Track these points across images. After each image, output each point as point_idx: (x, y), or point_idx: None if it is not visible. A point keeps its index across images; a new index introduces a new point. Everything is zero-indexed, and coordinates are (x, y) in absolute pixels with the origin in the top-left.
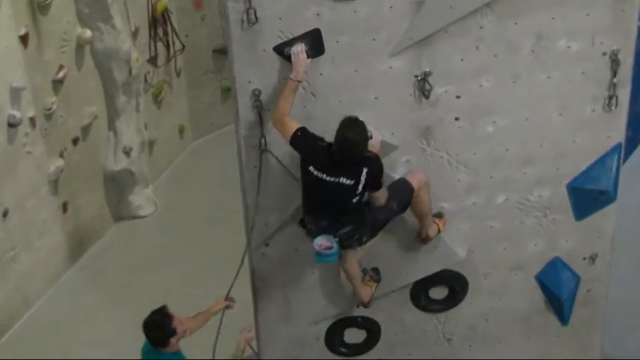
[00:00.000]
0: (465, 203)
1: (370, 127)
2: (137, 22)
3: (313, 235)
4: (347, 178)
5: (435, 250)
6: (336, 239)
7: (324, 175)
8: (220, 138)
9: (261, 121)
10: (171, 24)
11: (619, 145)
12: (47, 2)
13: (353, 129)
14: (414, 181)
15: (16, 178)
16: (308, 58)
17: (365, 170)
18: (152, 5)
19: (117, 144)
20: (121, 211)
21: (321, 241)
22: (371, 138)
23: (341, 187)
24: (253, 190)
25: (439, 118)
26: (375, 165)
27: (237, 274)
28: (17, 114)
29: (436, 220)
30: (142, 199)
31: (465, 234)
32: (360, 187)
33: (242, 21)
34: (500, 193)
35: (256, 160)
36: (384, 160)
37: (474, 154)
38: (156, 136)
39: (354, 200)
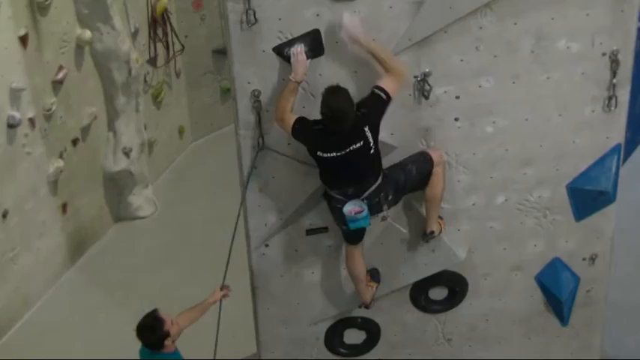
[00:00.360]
0: (465, 204)
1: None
2: (137, 22)
3: (342, 203)
4: (355, 143)
5: (435, 250)
6: (364, 201)
7: (334, 153)
8: (220, 138)
9: (260, 121)
10: (170, 25)
11: (618, 146)
12: (47, 3)
13: (337, 99)
14: (434, 155)
15: (16, 179)
16: (308, 58)
17: (366, 127)
18: (152, 6)
19: (116, 144)
20: (120, 212)
21: (351, 207)
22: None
23: (355, 153)
24: (251, 190)
25: (439, 119)
26: (370, 115)
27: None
28: (17, 115)
29: (439, 220)
30: (141, 199)
31: (465, 235)
32: (371, 140)
33: (241, 22)
34: (500, 194)
35: (255, 160)
36: (383, 162)
37: (474, 154)
38: (155, 136)
39: (372, 151)
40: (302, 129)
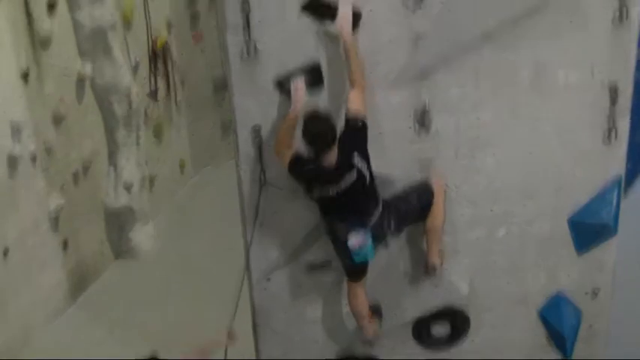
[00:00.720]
0: (467, 237)
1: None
2: (137, 56)
3: (345, 237)
4: (349, 178)
5: (437, 285)
6: (368, 233)
7: (329, 191)
8: (221, 173)
9: (261, 155)
10: (171, 58)
11: (619, 178)
12: (48, 37)
13: (315, 123)
14: (435, 185)
15: (17, 214)
16: (308, 91)
17: (355, 155)
18: (152, 39)
19: (117, 179)
20: (121, 248)
21: (354, 240)
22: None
23: (351, 186)
24: (253, 224)
25: (439, 151)
26: (352, 144)
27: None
28: (17, 149)
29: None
30: (142, 235)
31: (467, 268)
32: (364, 168)
33: (242, 53)
34: (501, 227)
35: (257, 195)
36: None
37: (474, 187)
38: (156, 171)
39: (367, 181)
40: (296, 167)
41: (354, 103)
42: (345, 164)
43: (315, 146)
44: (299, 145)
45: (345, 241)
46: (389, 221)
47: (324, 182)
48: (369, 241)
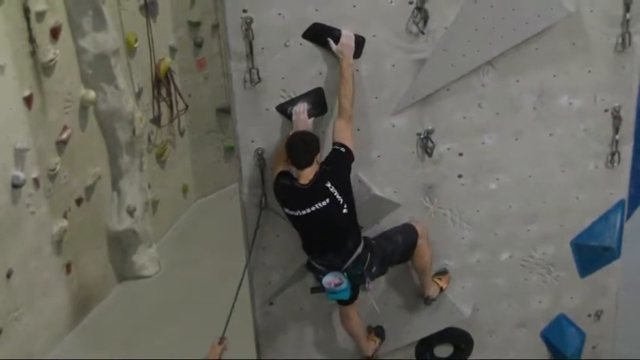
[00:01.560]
0: (469, 260)
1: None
2: (140, 82)
3: (322, 273)
4: (320, 202)
5: (439, 307)
6: (345, 274)
7: (299, 212)
8: (224, 197)
9: (263, 179)
10: (174, 84)
11: (622, 202)
12: (51, 63)
13: (295, 141)
14: (417, 227)
15: (20, 239)
16: (310, 117)
17: (329, 183)
18: (155, 66)
19: (120, 204)
20: (124, 271)
21: (330, 279)
22: (338, 39)
23: (323, 212)
24: (255, 248)
25: (442, 176)
26: (330, 172)
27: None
28: (21, 175)
29: (436, 280)
30: (145, 258)
31: (470, 291)
32: (339, 197)
33: (245, 80)
34: (504, 250)
35: (258, 219)
36: (387, 219)
37: (478, 211)
38: (159, 195)
39: (345, 211)
40: (277, 185)
41: (341, 133)
42: (317, 187)
43: (292, 163)
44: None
45: (321, 274)
46: (370, 264)
47: (295, 200)
48: (345, 282)
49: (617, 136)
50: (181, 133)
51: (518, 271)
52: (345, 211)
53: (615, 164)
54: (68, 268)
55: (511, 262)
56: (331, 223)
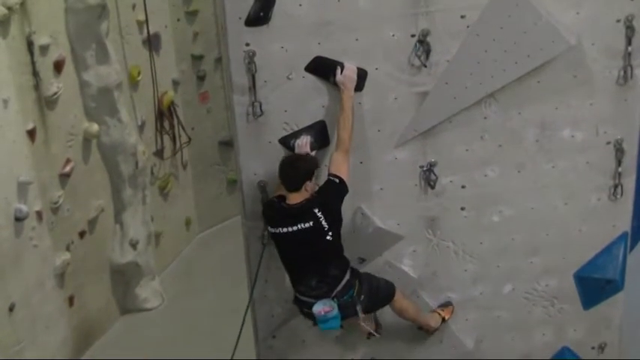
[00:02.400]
0: (472, 293)
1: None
2: (143, 115)
3: (311, 304)
4: (304, 222)
5: (442, 341)
6: (335, 300)
7: (281, 229)
8: (226, 230)
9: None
10: (177, 117)
11: (625, 234)
12: (54, 97)
13: (286, 164)
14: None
15: (23, 272)
16: (313, 150)
17: (316, 210)
18: (158, 99)
19: (123, 237)
20: (127, 304)
21: (320, 307)
22: (341, 72)
23: (305, 232)
24: (258, 281)
25: (445, 208)
26: (320, 199)
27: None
28: (24, 208)
29: (438, 311)
30: (148, 291)
31: (473, 324)
32: (325, 223)
33: (247, 114)
34: (507, 283)
35: (260, 252)
36: (390, 251)
37: (481, 243)
38: (162, 228)
39: (329, 238)
40: (263, 207)
41: (337, 164)
42: (304, 209)
43: (282, 183)
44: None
45: (309, 311)
46: (360, 292)
47: (278, 217)
48: (335, 309)
49: (619, 169)
50: (184, 166)
51: (521, 303)
52: (329, 237)
53: (618, 197)
54: (71, 301)
55: (514, 295)
56: (313, 246)
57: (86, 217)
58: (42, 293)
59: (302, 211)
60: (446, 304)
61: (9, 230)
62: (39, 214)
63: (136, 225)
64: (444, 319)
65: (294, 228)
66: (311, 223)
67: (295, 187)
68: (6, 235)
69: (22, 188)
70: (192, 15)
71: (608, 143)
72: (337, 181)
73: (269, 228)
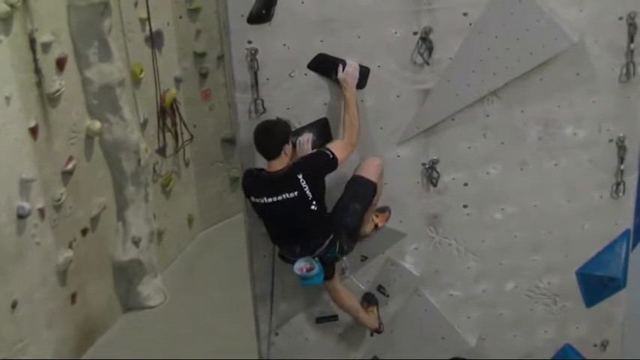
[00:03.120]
0: (475, 291)
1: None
2: (146, 113)
3: (293, 262)
4: (288, 192)
5: (445, 338)
6: (316, 259)
7: (265, 199)
8: (229, 227)
9: None
10: (179, 114)
11: (627, 232)
12: (57, 94)
13: (260, 132)
14: (371, 173)
15: (25, 269)
16: (314, 147)
17: (300, 176)
18: (161, 96)
19: (126, 234)
20: (129, 302)
21: (301, 265)
22: (344, 69)
23: (290, 202)
24: (259, 278)
25: (447, 206)
26: (306, 164)
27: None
28: (26, 205)
29: (373, 216)
30: (150, 289)
31: (475, 321)
32: (309, 192)
33: (250, 111)
34: (510, 281)
35: (265, 249)
36: (392, 249)
37: (483, 241)
38: (164, 226)
39: (314, 208)
40: (243, 179)
41: (336, 147)
42: (287, 176)
43: (260, 150)
44: None
45: (292, 263)
46: (341, 245)
47: (260, 187)
48: (317, 267)
49: (622, 166)
50: (186, 164)
51: (523, 301)
52: (313, 207)
53: (620, 194)
54: (73, 298)
55: (516, 292)
56: (297, 216)
57: (88, 215)
58: (44, 291)
59: (285, 178)
60: (382, 210)
61: (11, 228)
62: (41, 212)
63: (138, 222)
64: (376, 226)
65: (279, 198)
66: (295, 193)
67: (275, 154)
68: (8, 232)
69: (25, 186)
70: (194, 12)
71: (611, 141)
72: (330, 156)
73: (252, 198)
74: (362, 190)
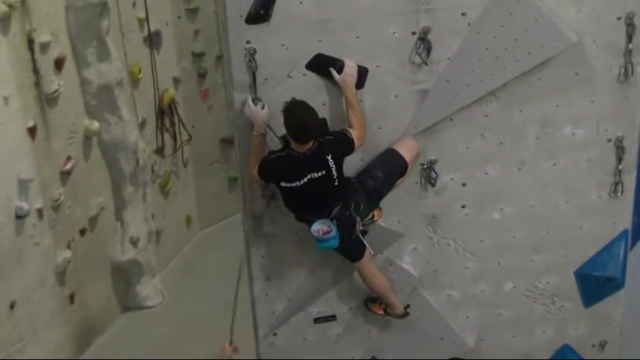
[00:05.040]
0: (473, 291)
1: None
2: (144, 113)
3: (311, 222)
4: (317, 172)
5: (443, 338)
6: (333, 221)
7: (296, 183)
8: (227, 228)
9: (267, 210)
10: (178, 115)
11: (626, 232)
12: (55, 94)
13: (302, 109)
14: (407, 151)
15: (24, 270)
16: (263, 109)
17: (329, 157)
18: (159, 96)
19: (124, 234)
20: (128, 302)
21: (319, 227)
22: (342, 69)
23: (316, 182)
24: (258, 278)
25: (446, 206)
26: (334, 145)
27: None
28: (25, 205)
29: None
30: (149, 289)
31: (474, 321)
32: (334, 171)
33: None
34: (508, 281)
35: (263, 249)
36: (391, 249)
37: (481, 241)
38: (163, 226)
39: (336, 183)
40: (265, 167)
41: (355, 133)
42: (317, 156)
43: (299, 138)
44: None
45: (309, 225)
46: (357, 204)
47: (291, 171)
48: (334, 230)
49: (620, 166)
50: (185, 164)
51: (522, 301)
52: (336, 183)
53: (619, 194)
54: (72, 298)
55: (515, 293)
56: (322, 192)
57: (87, 215)
58: (43, 291)
59: (315, 160)
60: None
61: (10, 228)
62: (40, 212)
63: (136, 223)
64: (373, 217)
65: (307, 178)
66: (323, 172)
67: (314, 138)
68: (7, 232)
69: (23, 186)
70: (193, 12)
71: (609, 141)
72: (351, 137)
73: (283, 184)
74: (391, 162)
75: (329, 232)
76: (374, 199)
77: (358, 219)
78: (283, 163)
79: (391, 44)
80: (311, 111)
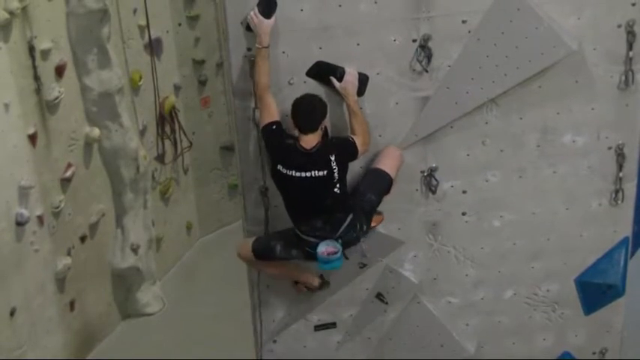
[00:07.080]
0: (473, 298)
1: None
2: (145, 120)
3: (314, 245)
4: (318, 170)
5: (443, 345)
6: (339, 241)
7: (294, 172)
8: (228, 235)
9: (267, 218)
10: (178, 122)
11: (626, 239)
12: (56, 101)
13: (306, 101)
14: (389, 166)
15: (24, 276)
16: (267, 19)
17: (333, 157)
18: (160, 103)
19: (124, 241)
20: (128, 309)
21: (325, 248)
22: (342, 77)
23: (317, 181)
24: (259, 286)
25: (446, 213)
26: (339, 146)
27: None
28: (25, 212)
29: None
30: (149, 296)
31: (474, 329)
32: (336, 174)
33: (249, 118)
34: (509, 288)
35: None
36: (391, 256)
37: (482, 248)
38: (163, 233)
39: (337, 190)
40: (276, 134)
41: (359, 141)
42: (321, 155)
43: (297, 125)
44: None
45: (310, 250)
46: (361, 224)
47: (293, 160)
48: (340, 250)
49: (620, 174)
50: (185, 171)
51: (522, 308)
52: (336, 190)
53: (619, 202)
54: (72, 305)
55: (515, 300)
56: (321, 195)
57: (87, 222)
58: (43, 298)
59: (319, 156)
60: (377, 212)
61: (10, 234)
62: (40, 219)
63: (137, 229)
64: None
65: (308, 174)
66: (325, 172)
67: (316, 126)
68: (7, 239)
69: (23, 193)
70: (193, 20)
71: (610, 148)
72: (354, 143)
73: (278, 166)
74: (381, 183)
75: (335, 253)
76: (370, 220)
77: (363, 239)
78: (288, 147)
79: (392, 52)
80: (321, 100)
